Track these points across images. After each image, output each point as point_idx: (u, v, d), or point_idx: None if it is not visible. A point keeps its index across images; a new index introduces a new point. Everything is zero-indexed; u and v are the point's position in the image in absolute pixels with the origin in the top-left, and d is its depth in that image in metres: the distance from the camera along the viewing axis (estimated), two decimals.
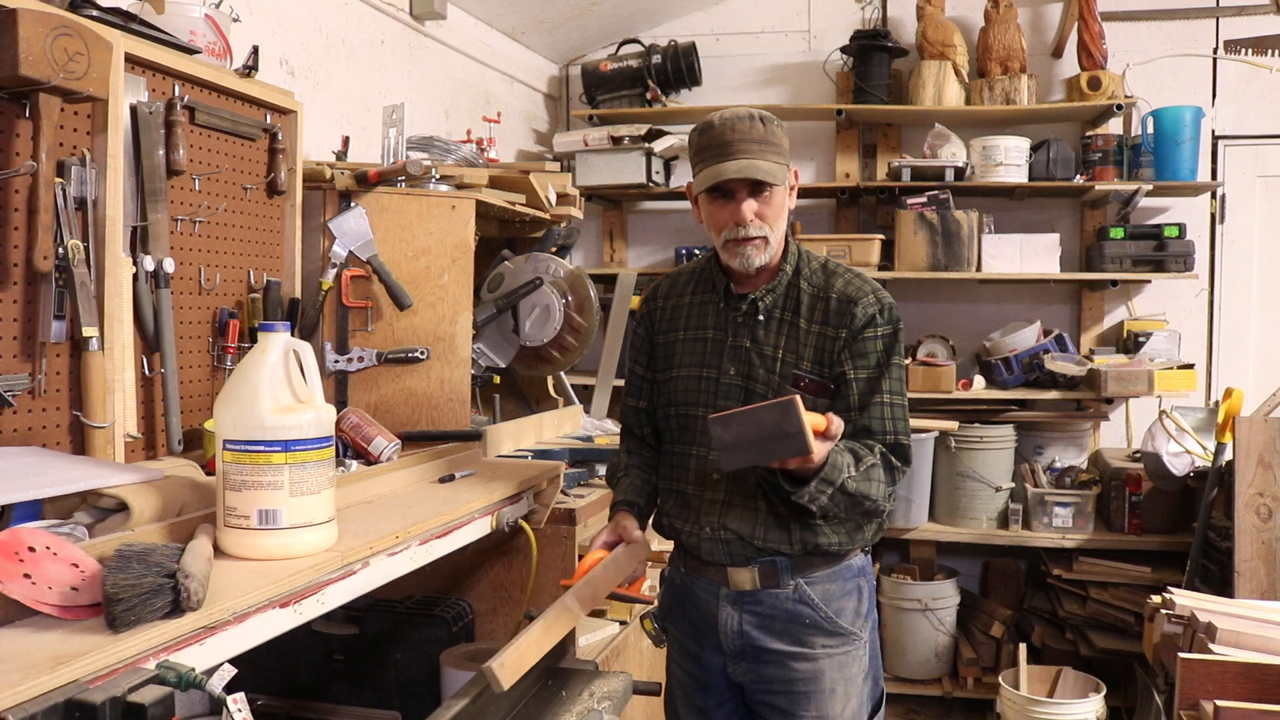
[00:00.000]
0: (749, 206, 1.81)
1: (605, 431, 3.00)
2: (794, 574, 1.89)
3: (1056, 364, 3.96)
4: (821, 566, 1.90)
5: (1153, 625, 2.73)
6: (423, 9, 3.50)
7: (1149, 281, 4.23)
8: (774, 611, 1.91)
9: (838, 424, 1.67)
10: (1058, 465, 4.09)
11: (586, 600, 1.78)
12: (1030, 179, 4.08)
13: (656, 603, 2.11)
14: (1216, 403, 3.85)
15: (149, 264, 1.89)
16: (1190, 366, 3.97)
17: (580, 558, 2.29)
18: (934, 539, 4.15)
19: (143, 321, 1.88)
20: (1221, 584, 3.22)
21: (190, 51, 2.01)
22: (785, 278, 1.92)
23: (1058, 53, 4.34)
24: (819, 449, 1.63)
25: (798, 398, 1.59)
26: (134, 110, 1.87)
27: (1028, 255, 4.07)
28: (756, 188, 1.82)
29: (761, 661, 1.93)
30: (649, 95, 4.39)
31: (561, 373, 3.14)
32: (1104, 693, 3.40)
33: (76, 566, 1.20)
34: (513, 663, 1.57)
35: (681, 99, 4.56)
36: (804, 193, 4.43)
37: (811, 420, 1.61)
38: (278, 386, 1.46)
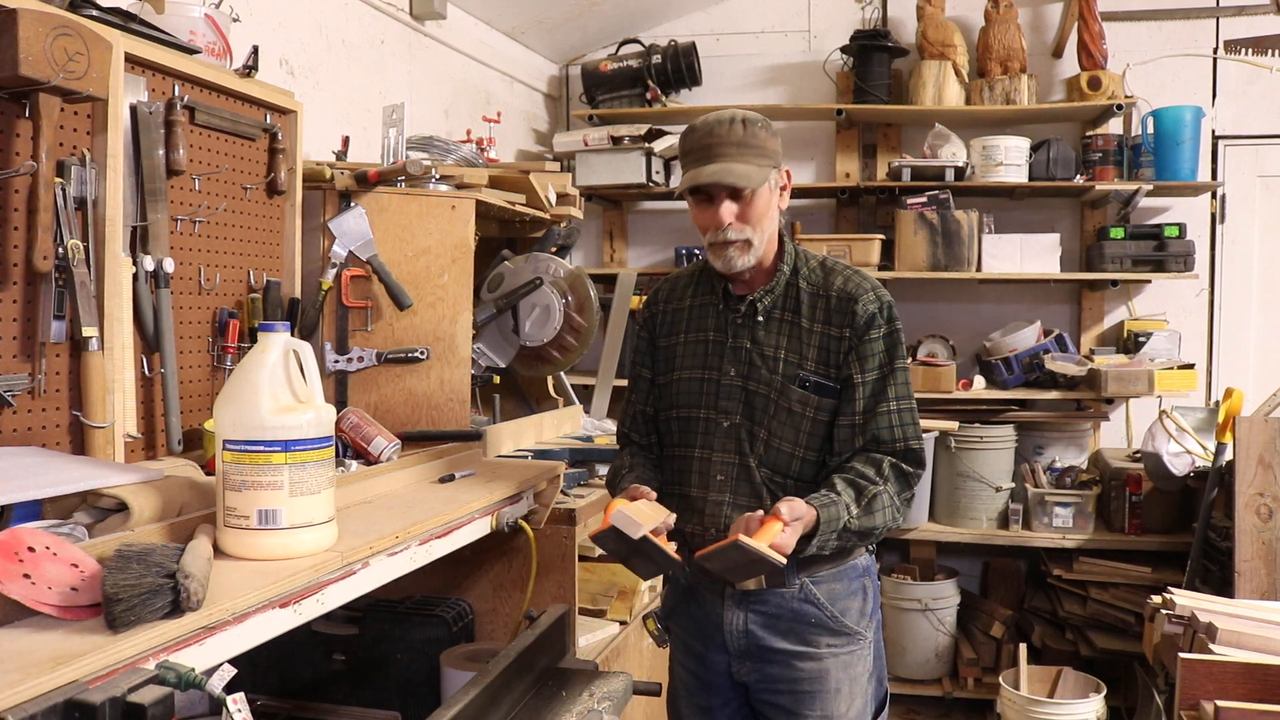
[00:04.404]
0: (727, 210, 1.82)
1: (605, 431, 3.00)
2: (799, 573, 1.89)
3: (1057, 364, 3.96)
4: (826, 565, 1.91)
5: (1153, 625, 2.72)
6: (423, 9, 3.50)
7: (1149, 281, 4.23)
8: (779, 611, 1.91)
9: (793, 510, 1.71)
10: (1058, 465, 4.09)
11: (634, 513, 1.76)
12: (1030, 179, 4.08)
13: (660, 603, 2.11)
14: (1217, 403, 3.85)
15: (149, 264, 1.89)
16: (1190, 366, 3.97)
17: (580, 558, 2.30)
18: (934, 539, 4.15)
19: (143, 321, 1.88)
20: (1222, 584, 3.22)
21: (190, 51, 2.01)
22: (783, 278, 1.92)
23: (1058, 53, 4.34)
24: (788, 543, 1.69)
25: (740, 538, 1.65)
26: (134, 110, 1.87)
27: (1028, 255, 4.07)
28: (735, 191, 1.82)
29: (766, 661, 1.93)
30: (649, 95, 4.39)
31: (561, 373, 3.14)
32: (1104, 693, 3.40)
33: (76, 566, 1.20)
34: (632, 514, 1.70)
35: (681, 99, 4.56)
36: (804, 193, 4.44)
37: (768, 534, 1.67)
38: (278, 386, 1.46)
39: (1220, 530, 3.32)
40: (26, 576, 1.16)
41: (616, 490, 1.98)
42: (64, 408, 1.74)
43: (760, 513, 1.73)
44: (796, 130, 4.55)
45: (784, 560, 1.67)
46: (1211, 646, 2.33)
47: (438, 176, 2.54)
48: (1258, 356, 4.28)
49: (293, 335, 1.53)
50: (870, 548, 1.99)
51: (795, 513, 1.72)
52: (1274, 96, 4.19)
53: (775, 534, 1.68)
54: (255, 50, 2.24)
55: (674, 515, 1.82)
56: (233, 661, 1.23)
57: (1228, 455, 3.28)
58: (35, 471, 1.49)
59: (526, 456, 2.52)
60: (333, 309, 2.48)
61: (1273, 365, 4.21)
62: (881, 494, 1.82)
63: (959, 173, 4.07)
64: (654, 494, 1.85)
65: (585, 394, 3.59)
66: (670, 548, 1.77)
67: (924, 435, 3.81)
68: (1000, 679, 3.56)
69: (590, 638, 2.44)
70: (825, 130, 4.55)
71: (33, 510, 1.45)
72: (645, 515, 1.75)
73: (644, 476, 1.98)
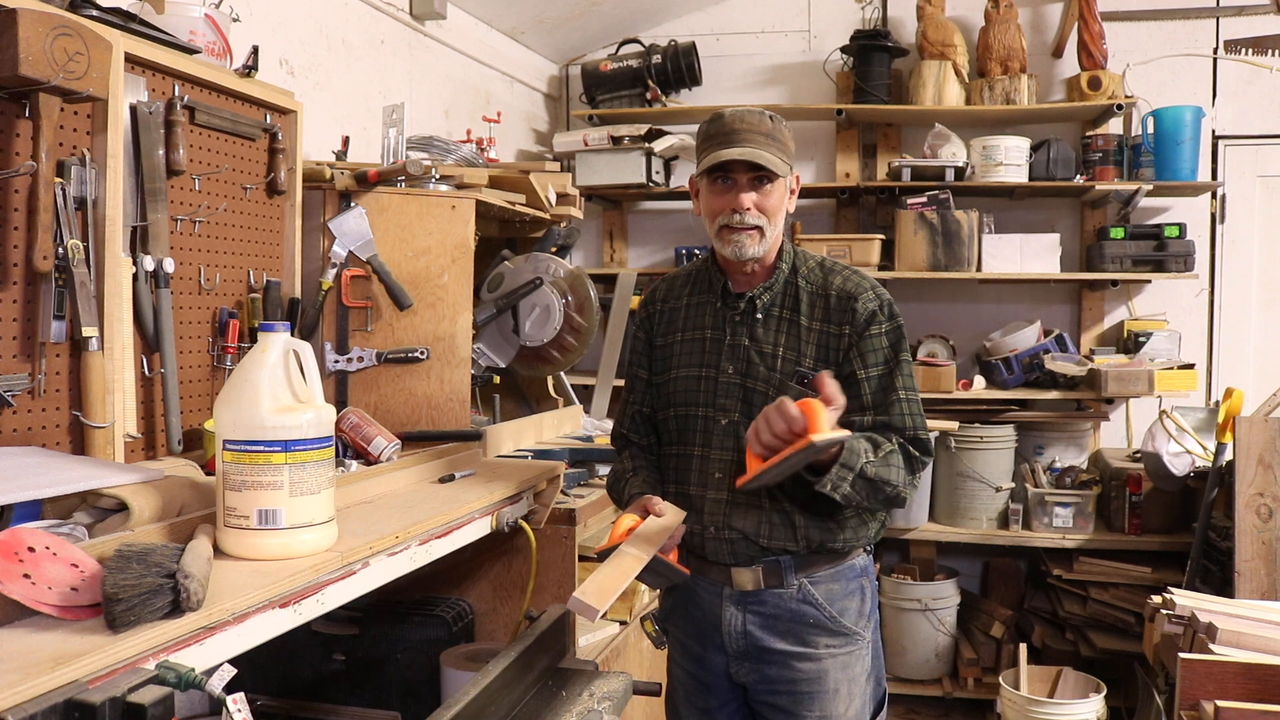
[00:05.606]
0: (748, 196, 1.84)
1: (605, 431, 3.00)
2: (797, 573, 1.89)
3: (1057, 364, 3.96)
4: (825, 566, 1.91)
5: (1153, 625, 2.72)
6: (423, 9, 3.50)
7: (1149, 281, 4.23)
8: (778, 611, 1.91)
9: (832, 387, 1.68)
10: (1058, 465, 4.09)
11: (641, 548, 1.75)
12: (1030, 179, 4.08)
13: (657, 604, 2.11)
14: (1217, 403, 3.85)
15: (149, 264, 1.89)
16: (1190, 366, 3.97)
17: (580, 558, 2.30)
18: (934, 539, 4.15)
19: (143, 321, 1.88)
20: (1222, 584, 3.22)
21: (190, 51, 2.01)
22: (782, 275, 1.93)
23: (1058, 53, 4.33)
24: (827, 421, 1.64)
25: (813, 438, 1.59)
26: (134, 110, 1.87)
27: (1028, 255, 4.07)
28: (757, 179, 1.84)
29: (765, 662, 1.93)
30: (649, 95, 4.39)
31: (561, 373, 3.14)
32: (1104, 693, 3.40)
33: (76, 566, 1.20)
34: (595, 591, 1.62)
35: (681, 99, 4.56)
36: (804, 193, 4.42)
37: (822, 419, 1.62)
38: (278, 386, 1.46)
39: (1220, 530, 3.32)
40: (26, 576, 1.16)
41: (623, 497, 1.98)
42: (64, 408, 1.74)
43: (785, 399, 1.66)
44: (796, 130, 4.45)
45: (820, 431, 1.63)
46: (1211, 646, 2.33)
47: (438, 176, 2.54)
48: (1258, 356, 4.27)
49: (293, 335, 1.53)
50: (868, 547, 1.99)
51: (832, 391, 1.68)
52: (1274, 96, 4.19)
53: (826, 415, 1.64)
54: (255, 50, 2.24)
55: (683, 529, 1.82)
56: (233, 661, 1.23)
57: (1228, 455, 3.28)
58: (35, 471, 1.49)
59: (526, 456, 2.52)
60: (333, 309, 2.48)
61: (1273, 365, 4.21)
62: (895, 454, 1.82)
63: (959, 173, 4.07)
64: (665, 509, 1.84)
65: (585, 394, 3.60)
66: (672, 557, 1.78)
67: None
68: (1000, 679, 3.56)
69: (590, 638, 2.44)
70: (825, 130, 4.55)
71: (33, 510, 1.45)
72: (653, 535, 1.75)
73: (649, 479, 1.99)
